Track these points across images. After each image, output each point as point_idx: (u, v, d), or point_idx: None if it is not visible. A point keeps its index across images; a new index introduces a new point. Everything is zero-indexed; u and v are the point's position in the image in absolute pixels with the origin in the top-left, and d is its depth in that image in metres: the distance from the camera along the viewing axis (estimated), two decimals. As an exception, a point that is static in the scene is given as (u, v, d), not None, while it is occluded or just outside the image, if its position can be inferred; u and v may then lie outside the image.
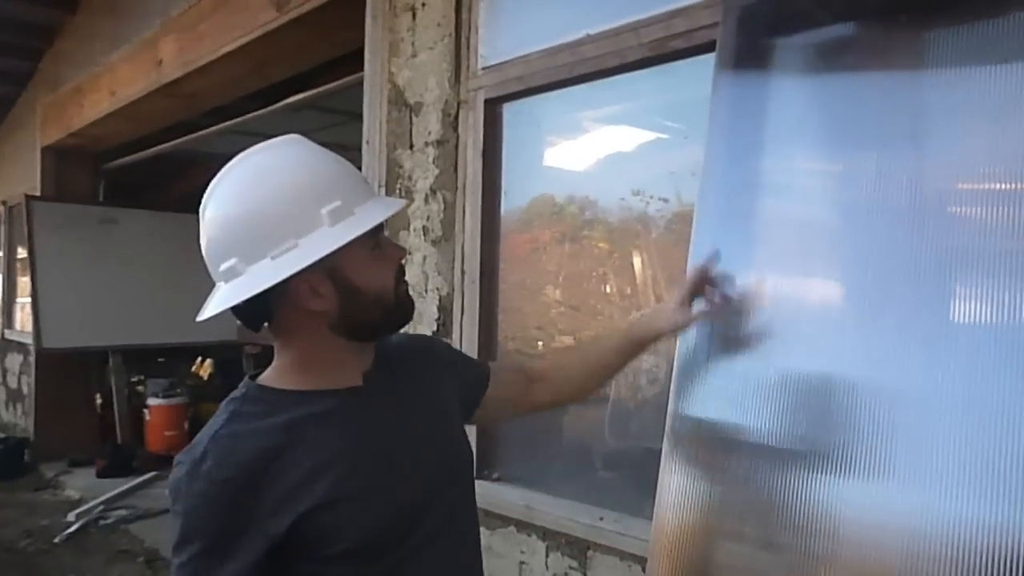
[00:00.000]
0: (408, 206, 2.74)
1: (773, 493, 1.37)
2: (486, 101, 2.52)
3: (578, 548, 2.16)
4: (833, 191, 1.48)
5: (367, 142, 2.97)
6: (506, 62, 2.46)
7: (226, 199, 1.09)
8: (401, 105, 2.81)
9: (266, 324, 1.13)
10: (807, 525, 1.31)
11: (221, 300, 1.08)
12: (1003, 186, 1.24)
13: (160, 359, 7.40)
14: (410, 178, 2.77)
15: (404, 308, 1.18)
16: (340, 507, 1.06)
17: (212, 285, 1.14)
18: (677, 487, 1.51)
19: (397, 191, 2.80)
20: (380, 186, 2.83)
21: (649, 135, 2.37)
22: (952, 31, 1.34)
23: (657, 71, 2.09)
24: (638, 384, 2.25)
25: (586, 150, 2.53)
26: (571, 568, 2.17)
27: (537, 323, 2.57)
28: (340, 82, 3.75)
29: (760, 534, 1.38)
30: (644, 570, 1.82)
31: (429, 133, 2.70)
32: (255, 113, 4.69)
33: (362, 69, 3.04)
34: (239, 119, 4.91)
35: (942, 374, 1.23)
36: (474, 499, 1.30)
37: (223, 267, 1.08)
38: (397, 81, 2.83)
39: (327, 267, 1.06)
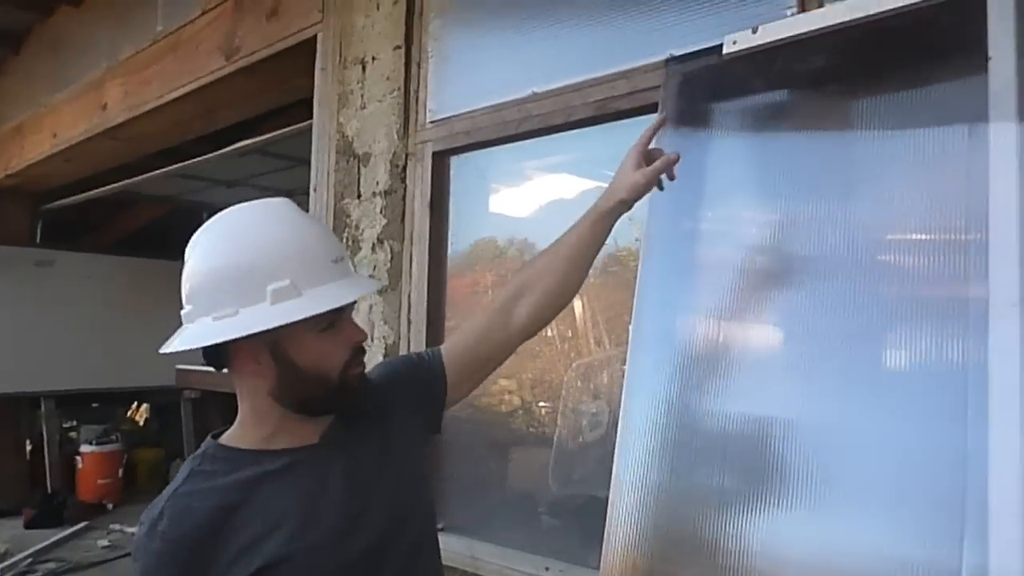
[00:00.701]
0: (355, 255, 2.76)
1: (717, 538, 1.41)
2: (434, 153, 2.57)
3: (523, 598, 2.16)
4: (771, 242, 1.56)
5: (314, 190, 2.99)
6: (454, 116, 2.52)
7: (199, 250, 1.13)
8: (349, 155, 2.84)
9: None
10: (748, 568, 1.35)
11: (174, 341, 1.13)
12: (924, 237, 1.33)
13: (94, 404, 7.20)
14: (357, 227, 2.79)
15: (349, 391, 1.16)
16: (290, 566, 1.07)
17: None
18: (624, 535, 1.54)
19: (344, 240, 2.81)
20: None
21: (591, 183, 2.44)
22: (878, 100, 1.44)
23: (601, 128, 2.17)
24: (581, 430, 2.27)
25: (530, 197, 2.59)
26: (516, 619, 2.17)
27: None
28: (288, 129, 3.77)
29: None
30: (588, 620, 1.83)
31: (377, 183, 2.73)
32: (201, 157, 4.67)
33: (310, 117, 3.07)
34: (184, 163, 4.88)
35: (874, 417, 1.31)
36: (435, 539, 1.31)
37: (183, 311, 1.13)
38: (346, 131, 2.87)
39: (268, 339, 1.08)
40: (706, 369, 1.56)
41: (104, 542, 5.52)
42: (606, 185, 1.49)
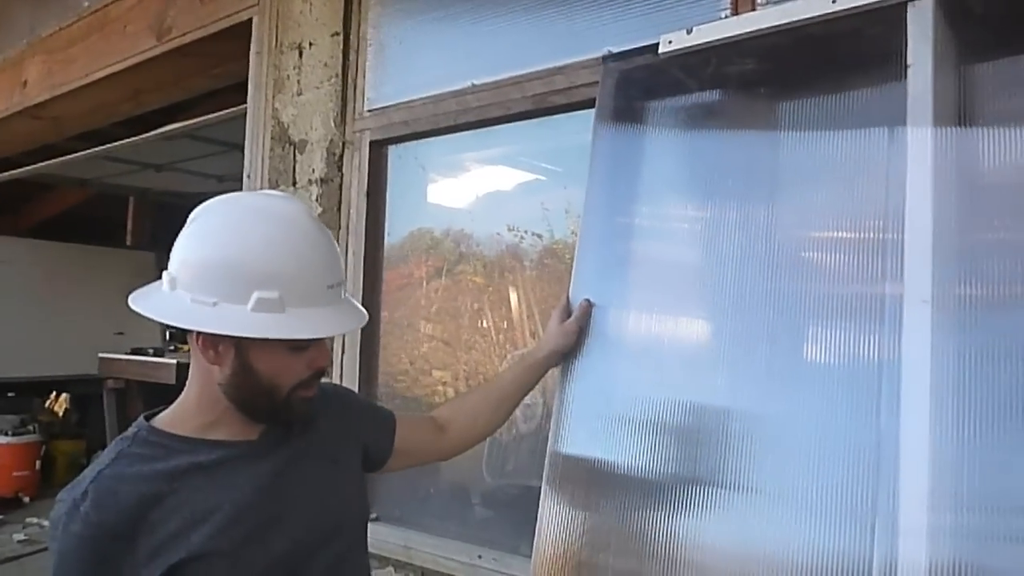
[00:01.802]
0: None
1: (643, 528, 1.45)
2: (371, 143, 2.55)
3: (456, 587, 2.17)
4: (700, 238, 1.60)
5: (248, 176, 2.94)
6: (392, 106, 2.51)
7: (200, 228, 1.11)
8: (285, 142, 2.81)
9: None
10: (674, 558, 1.39)
11: (143, 300, 1.11)
12: (844, 236, 1.39)
13: (10, 393, 6.92)
14: (292, 215, 2.75)
15: (291, 411, 1.15)
16: (212, 561, 1.06)
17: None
18: (555, 525, 1.56)
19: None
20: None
21: (527, 175, 2.47)
22: (803, 103, 1.50)
23: (538, 122, 2.19)
24: (514, 421, 2.30)
25: (467, 189, 2.59)
26: (448, 607, 2.19)
27: (410, 357, 2.59)
28: (221, 113, 3.68)
29: (632, 568, 1.45)
30: (520, 607, 1.86)
31: (313, 171, 2.70)
32: (128, 140, 4.52)
33: (243, 101, 3.01)
34: (112, 144, 4.72)
35: (794, 409, 1.36)
36: (365, 550, 1.31)
37: (167, 271, 1.11)
38: (281, 118, 2.83)
39: (236, 337, 1.07)
40: (637, 363, 1.60)
41: (20, 536, 5.32)
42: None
